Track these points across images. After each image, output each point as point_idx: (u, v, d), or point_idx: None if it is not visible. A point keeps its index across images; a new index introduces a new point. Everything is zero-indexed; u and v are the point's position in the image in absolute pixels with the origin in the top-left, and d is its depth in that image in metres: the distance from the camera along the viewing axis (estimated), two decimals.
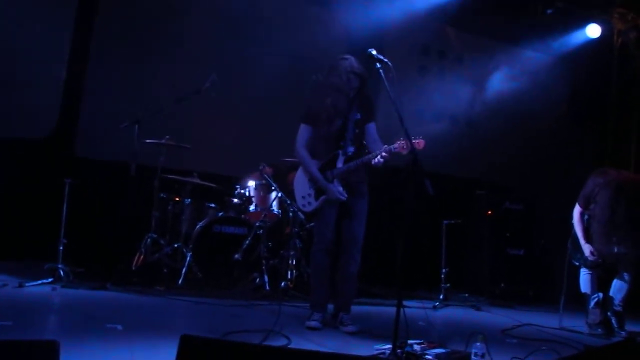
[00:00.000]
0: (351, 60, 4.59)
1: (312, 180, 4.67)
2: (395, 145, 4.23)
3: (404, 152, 4.14)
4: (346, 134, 4.61)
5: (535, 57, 9.10)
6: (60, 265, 5.20)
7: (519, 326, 5.50)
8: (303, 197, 4.74)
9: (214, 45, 7.24)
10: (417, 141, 4.12)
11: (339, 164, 4.60)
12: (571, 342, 4.89)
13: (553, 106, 9.19)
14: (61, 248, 5.26)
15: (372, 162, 4.40)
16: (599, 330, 5.51)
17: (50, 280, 5.09)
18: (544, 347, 4.52)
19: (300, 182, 4.78)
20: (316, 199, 4.66)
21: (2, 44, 6.26)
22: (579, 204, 5.79)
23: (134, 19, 6.97)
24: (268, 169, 6.45)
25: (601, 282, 5.72)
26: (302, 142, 4.70)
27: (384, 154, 4.34)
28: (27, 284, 4.92)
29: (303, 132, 4.72)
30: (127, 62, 6.84)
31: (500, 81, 8.88)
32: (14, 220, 6.32)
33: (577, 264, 5.77)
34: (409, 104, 7.89)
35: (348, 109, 4.62)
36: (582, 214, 5.77)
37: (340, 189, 4.59)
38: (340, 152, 4.60)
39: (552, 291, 7.05)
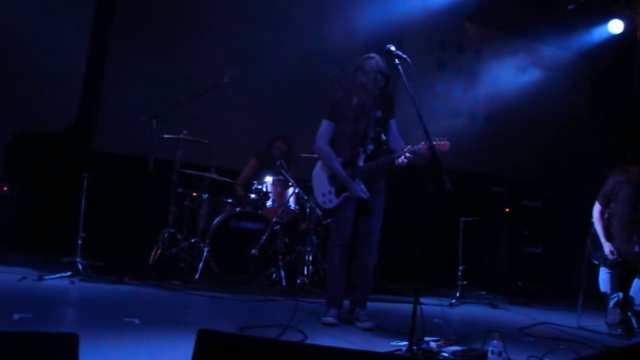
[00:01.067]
0: (377, 59, 4.55)
1: (333, 177, 4.66)
2: (419, 146, 4.19)
3: (428, 154, 4.12)
4: (367, 132, 4.59)
5: (556, 53, 9.00)
6: (78, 259, 5.25)
7: (536, 325, 5.46)
8: (323, 195, 4.71)
9: (232, 40, 7.25)
10: (442, 142, 4.11)
11: (360, 162, 4.58)
12: (590, 342, 4.83)
13: (574, 103, 9.10)
14: (80, 242, 5.31)
15: (396, 162, 4.38)
16: (619, 330, 5.43)
17: (69, 273, 5.13)
18: (562, 347, 4.48)
19: (319, 179, 4.75)
20: (337, 196, 4.64)
21: (22, 38, 6.33)
22: (599, 202, 5.72)
23: (153, 14, 7.01)
24: (282, 145, 6.69)
25: (621, 282, 5.65)
26: (325, 139, 4.64)
27: (407, 154, 4.32)
28: (46, 277, 4.97)
29: (326, 128, 4.65)
30: (146, 56, 6.88)
31: (519, 77, 8.80)
32: (34, 213, 6.40)
33: (596, 262, 5.71)
34: (428, 100, 7.87)
35: (373, 108, 4.60)
36: (602, 212, 5.70)
37: (363, 186, 4.57)
38: (361, 149, 4.58)
39: (571, 290, 6.97)
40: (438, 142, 4.07)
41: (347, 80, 4.69)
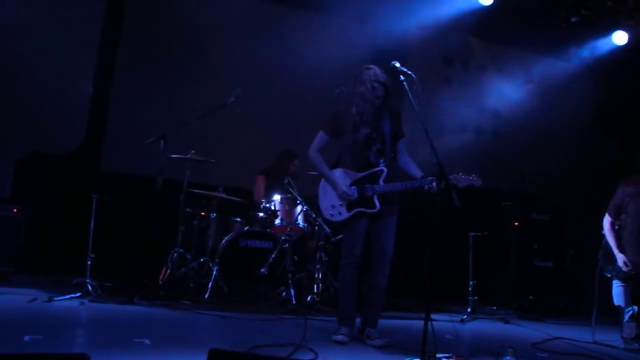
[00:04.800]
0: (375, 70, 4.60)
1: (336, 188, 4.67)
2: (451, 177, 4.18)
3: (460, 186, 4.15)
4: (375, 145, 4.60)
5: (561, 65, 9.01)
6: (88, 280, 5.25)
7: (549, 340, 5.39)
8: (333, 207, 4.68)
9: (238, 59, 7.31)
10: (475, 177, 4.23)
11: (382, 181, 4.58)
12: (606, 357, 4.78)
13: (579, 115, 9.08)
14: (89, 262, 5.31)
15: (425, 187, 4.37)
16: (636, 345, 5.34)
17: (78, 294, 5.13)
18: None
19: (327, 191, 4.74)
20: (348, 210, 4.63)
21: (30, 60, 6.41)
22: (609, 214, 5.68)
23: (159, 35, 7.08)
24: (298, 162, 6.73)
25: (635, 294, 5.58)
26: (316, 147, 4.73)
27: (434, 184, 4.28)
28: (56, 298, 4.97)
29: (319, 138, 4.75)
30: (153, 77, 6.95)
31: (525, 91, 8.81)
32: (43, 235, 6.42)
33: (609, 275, 5.65)
34: (434, 115, 7.87)
35: (375, 118, 4.61)
36: (612, 224, 5.65)
37: (354, 189, 4.57)
38: (385, 168, 4.58)
39: (583, 304, 6.92)
40: (471, 178, 4.20)
41: (347, 92, 4.73)
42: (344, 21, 7.78)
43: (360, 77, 4.60)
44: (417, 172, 4.56)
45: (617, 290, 5.59)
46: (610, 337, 5.55)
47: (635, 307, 5.47)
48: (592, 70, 9.05)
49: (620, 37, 8.52)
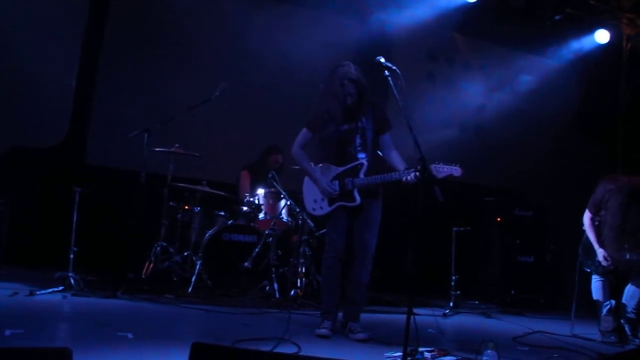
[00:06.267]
0: (348, 67, 4.61)
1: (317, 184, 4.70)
2: (430, 167, 4.17)
3: (439, 177, 4.16)
4: (355, 140, 4.63)
5: (544, 63, 9.09)
6: (70, 274, 5.22)
7: (530, 334, 5.46)
8: (315, 201, 4.73)
9: (224, 54, 7.28)
10: (455, 167, 4.20)
11: (362, 174, 4.60)
12: (584, 349, 4.85)
13: (562, 112, 9.18)
14: (72, 256, 5.28)
15: (403, 179, 4.39)
16: (612, 337, 5.44)
17: (60, 288, 5.10)
18: (555, 355, 4.50)
19: (310, 186, 4.78)
20: (329, 204, 4.66)
21: (13, 53, 6.34)
22: (589, 210, 5.75)
23: (143, 29, 7.04)
24: (279, 157, 6.73)
25: (613, 289, 5.67)
26: (299, 144, 4.80)
27: (417, 174, 4.28)
28: (37, 292, 4.93)
29: (302, 135, 4.81)
30: (137, 71, 6.91)
31: (508, 87, 8.88)
32: (25, 228, 6.37)
33: (588, 270, 5.73)
34: (418, 111, 7.90)
35: (350, 114, 4.63)
36: (592, 220, 5.72)
37: (336, 185, 4.61)
38: (365, 162, 4.60)
39: (564, 298, 6.99)
40: (453, 167, 4.16)
41: (321, 89, 4.77)
42: (329, 16, 7.79)
43: (332, 74, 4.63)
44: (402, 166, 4.58)
45: (596, 285, 5.68)
46: (589, 331, 5.64)
47: (613, 302, 5.56)
48: (575, 68, 9.15)
49: (602, 36, 8.63)
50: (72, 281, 5.19)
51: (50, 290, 5.04)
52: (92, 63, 6.95)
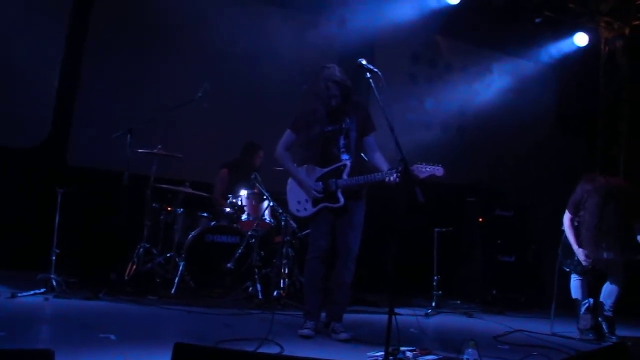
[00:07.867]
0: (333, 69, 4.65)
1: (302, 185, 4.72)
2: (412, 167, 4.23)
3: (421, 177, 4.21)
4: (339, 141, 4.67)
5: (524, 65, 9.20)
6: (52, 275, 5.19)
7: (510, 332, 5.54)
8: (299, 202, 4.76)
9: (206, 55, 7.27)
10: (437, 167, 4.25)
11: (345, 175, 4.64)
12: (562, 347, 4.93)
13: (542, 113, 9.29)
14: (54, 258, 5.25)
15: (386, 180, 4.42)
16: (590, 335, 5.55)
17: (42, 290, 5.07)
18: (535, 353, 4.57)
19: (294, 187, 4.81)
20: (313, 205, 4.69)
21: None
22: (569, 211, 5.83)
23: (127, 29, 7.00)
24: (262, 154, 6.73)
25: (591, 288, 5.77)
26: (283, 145, 4.83)
27: (395, 176, 4.33)
28: (19, 294, 4.90)
29: (286, 136, 4.85)
30: (120, 71, 6.87)
31: (489, 89, 8.98)
32: (6, 229, 6.30)
33: (567, 269, 5.82)
34: (400, 112, 7.97)
35: (334, 116, 4.66)
36: (572, 220, 5.80)
37: (320, 186, 4.64)
38: (348, 163, 4.64)
39: (543, 297, 7.09)
40: (435, 167, 4.20)
41: (306, 90, 4.81)
42: (312, 17, 7.81)
43: (318, 76, 4.68)
44: (386, 167, 4.61)
45: (575, 284, 5.77)
46: (568, 329, 5.73)
47: (591, 300, 5.66)
48: (554, 70, 9.28)
49: (581, 39, 8.78)
50: (54, 283, 5.16)
51: (32, 292, 5.00)
52: (75, 63, 6.90)
